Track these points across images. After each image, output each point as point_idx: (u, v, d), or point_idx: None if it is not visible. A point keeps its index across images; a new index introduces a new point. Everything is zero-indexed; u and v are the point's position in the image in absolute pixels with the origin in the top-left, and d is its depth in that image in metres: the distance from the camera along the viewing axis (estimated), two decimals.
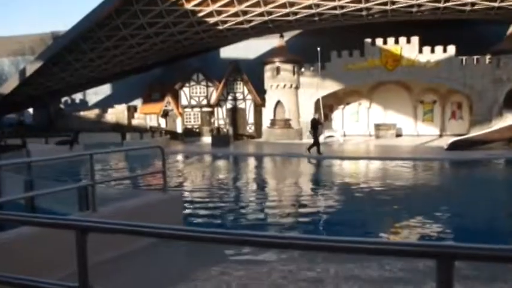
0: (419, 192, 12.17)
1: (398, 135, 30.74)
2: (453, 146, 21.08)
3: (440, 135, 30.27)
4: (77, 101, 40.06)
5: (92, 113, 36.39)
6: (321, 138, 28.39)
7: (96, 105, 39.27)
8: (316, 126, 20.66)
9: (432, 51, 28.31)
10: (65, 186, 6.43)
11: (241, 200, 11.35)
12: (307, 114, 30.12)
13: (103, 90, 39.91)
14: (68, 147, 22.67)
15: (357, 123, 31.63)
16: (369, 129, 31.66)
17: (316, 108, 31.08)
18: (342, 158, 19.70)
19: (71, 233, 2.59)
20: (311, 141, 28.21)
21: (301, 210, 9.96)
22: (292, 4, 27.03)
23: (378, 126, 30.62)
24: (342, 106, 31.97)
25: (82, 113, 36.40)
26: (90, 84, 35.58)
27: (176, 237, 2.51)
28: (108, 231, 2.63)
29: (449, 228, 8.07)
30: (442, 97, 30.61)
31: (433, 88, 30.22)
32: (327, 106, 32.48)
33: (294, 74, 30.11)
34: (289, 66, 30.00)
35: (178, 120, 33.11)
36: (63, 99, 39.09)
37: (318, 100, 27.33)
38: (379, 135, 30.21)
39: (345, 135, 30.26)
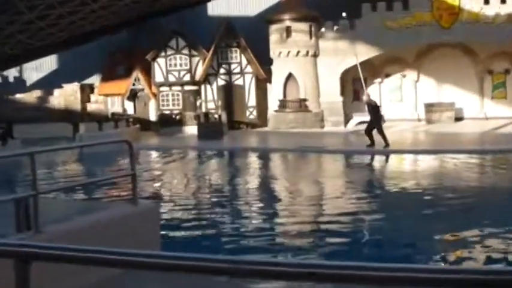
0: (492, 199, 12.16)
1: (458, 118, 30.66)
2: None
3: None
4: (11, 79, 40.07)
5: (31, 96, 36.38)
6: (350, 126, 28.46)
7: (37, 84, 39.25)
8: (377, 110, 20.52)
9: (503, 0, 28.20)
10: None
11: (238, 212, 11.36)
12: (330, 92, 30.08)
13: (46, 64, 39.85)
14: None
15: (400, 103, 31.58)
16: (417, 111, 31.58)
17: (347, 84, 31.00)
18: (383, 153, 19.67)
19: (7, 263, 2.59)
20: (336, 129, 28.15)
21: (325, 223, 9.99)
22: None
23: (429, 107, 30.51)
24: (378, 80, 31.86)
25: (18, 96, 36.42)
26: (28, 56, 35.53)
27: (152, 266, 2.50)
28: (57, 260, 2.63)
29: None
30: None
31: (506, 52, 30.10)
32: (358, 81, 32.31)
33: (311, 36, 30.01)
34: (304, 26, 29.91)
35: (152, 104, 33.03)
36: None
37: (354, 68, 26.64)
38: (431, 119, 30.11)
39: (383, 121, 30.20)
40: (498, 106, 30.97)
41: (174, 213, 11.63)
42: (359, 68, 23.59)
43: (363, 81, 23.74)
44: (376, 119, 20.24)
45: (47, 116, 34.32)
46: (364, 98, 21.70)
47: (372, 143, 20.00)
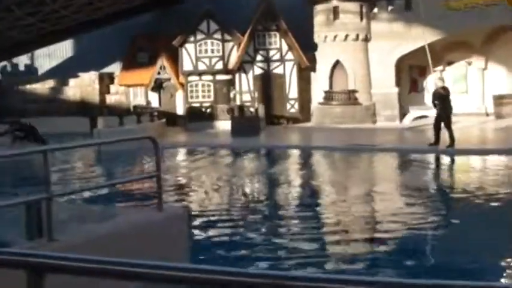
0: None
1: None
2: None
3: None
4: (21, 67, 40.68)
5: (44, 86, 36.87)
6: (406, 121, 28.23)
7: (50, 73, 39.75)
8: (446, 98, 20.26)
9: None
10: (6, 202, 6.54)
11: (280, 221, 11.37)
12: (384, 82, 29.86)
13: (61, 51, 40.33)
14: (10, 140, 23.10)
15: (464, 95, 31.21)
16: (485, 104, 31.16)
17: (403, 72, 30.78)
18: (446, 153, 19.47)
19: (17, 275, 2.63)
20: (390, 124, 27.96)
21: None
22: None
23: (499, 100, 30.06)
24: (440, 68, 31.54)
25: (29, 87, 36.93)
26: (41, 41, 35.98)
27: (179, 280, 2.52)
28: (73, 272, 2.66)
29: None
30: None
31: None
32: (416, 69, 31.96)
33: (361, 18, 29.84)
34: (353, 6, 29.75)
35: (179, 96, 33.19)
36: None
37: (411, 54, 26.07)
38: (501, 114, 29.65)
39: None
40: None
41: (200, 223, 11.73)
42: (428, 54, 23.22)
43: (431, 65, 23.38)
44: (447, 111, 19.83)
45: (61, 108, 34.74)
46: (438, 83, 21.17)
47: (436, 141, 19.69)
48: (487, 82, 31.28)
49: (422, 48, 28.53)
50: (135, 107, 33.10)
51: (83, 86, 35.99)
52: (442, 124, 19.80)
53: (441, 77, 22.41)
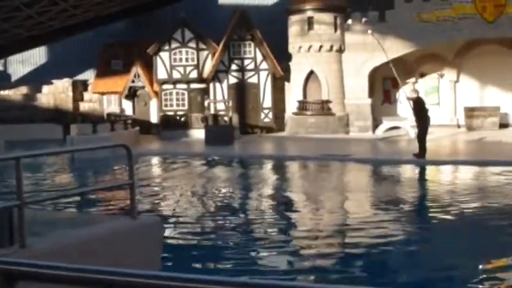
0: None
1: (504, 125, 30.51)
2: None
3: None
4: None
5: (16, 93, 36.60)
6: (379, 132, 28.40)
7: (23, 80, 39.48)
8: (424, 108, 20.34)
9: None
10: None
11: (253, 230, 11.35)
12: (357, 92, 30.03)
13: (34, 57, 40.10)
14: None
15: (436, 107, 31.44)
16: (457, 116, 31.44)
17: (376, 83, 30.98)
18: (418, 164, 19.62)
19: None
20: (363, 135, 28.21)
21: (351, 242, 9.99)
22: None
23: (470, 112, 30.35)
24: (412, 80, 31.79)
25: (2, 93, 36.65)
26: (14, 47, 35.73)
27: None
28: (45, 279, 2.63)
29: None
30: None
31: None
32: (389, 80, 32.21)
33: (335, 29, 30.00)
34: (328, 17, 29.91)
35: (153, 104, 33.09)
36: None
37: (384, 66, 26.35)
38: (472, 126, 29.96)
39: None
40: None
41: (174, 232, 11.68)
42: (392, 66, 23.45)
43: (398, 79, 23.61)
44: (422, 120, 19.96)
45: (35, 115, 34.49)
46: (411, 94, 21.33)
47: (422, 153, 19.80)
48: (459, 94, 31.59)
49: (394, 60, 28.79)
50: (108, 114, 32.94)
51: (56, 93, 35.79)
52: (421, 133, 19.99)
53: (415, 89, 22.57)
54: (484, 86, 31.43)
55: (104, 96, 34.56)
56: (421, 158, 19.68)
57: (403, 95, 22.19)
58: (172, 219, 12.35)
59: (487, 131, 29.02)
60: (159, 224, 7.70)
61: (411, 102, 20.93)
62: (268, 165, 21.21)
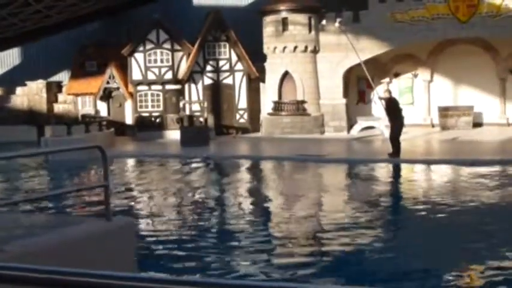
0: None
1: (477, 124, 30.79)
2: None
3: None
4: None
5: None
6: (353, 132, 28.52)
7: None
8: (398, 108, 20.46)
9: None
10: None
11: (229, 231, 11.36)
12: (332, 93, 30.14)
13: (8, 59, 39.76)
14: None
15: (411, 107, 31.64)
16: (430, 115, 31.67)
17: (351, 84, 31.10)
18: (392, 163, 19.75)
19: None
20: (338, 135, 28.27)
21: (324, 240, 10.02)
22: None
23: (444, 111, 30.60)
24: (386, 80, 31.95)
25: None
26: None
27: None
28: (19, 282, 2.63)
29: None
30: None
31: None
32: (363, 80, 32.36)
33: (310, 29, 30.09)
34: (302, 18, 29.99)
35: (128, 105, 32.97)
36: None
37: (359, 66, 26.52)
38: (446, 125, 30.21)
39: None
40: None
41: (148, 232, 11.69)
42: (364, 66, 23.58)
43: (370, 79, 23.73)
44: (396, 120, 20.09)
45: (8, 117, 34.21)
46: (384, 94, 21.52)
47: (396, 152, 19.93)
48: (433, 94, 31.81)
49: (369, 60, 28.98)
50: (83, 116, 32.75)
51: (30, 94, 35.52)
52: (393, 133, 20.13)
53: (387, 89, 22.74)
54: (458, 86, 31.67)
55: (79, 97, 34.38)
56: (395, 157, 19.82)
57: (377, 95, 22.38)
58: (147, 221, 12.33)
59: (461, 130, 29.28)
60: (134, 226, 7.70)
61: (383, 102, 21.10)
62: (244, 166, 21.21)
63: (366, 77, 30.99)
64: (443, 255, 9.44)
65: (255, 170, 20.34)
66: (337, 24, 26.82)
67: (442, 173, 18.35)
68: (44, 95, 35.28)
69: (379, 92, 23.05)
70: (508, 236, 10.50)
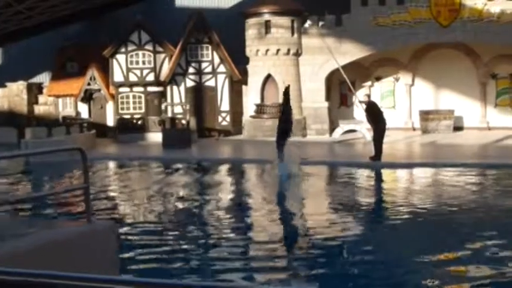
0: (493, 221, 12.29)
1: (458, 128, 31.00)
2: None
3: None
4: None
5: None
6: (336, 135, 28.59)
7: None
8: (378, 112, 20.53)
9: None
10: None
11: (212, 234, 11.34)
12: (314, 96, 30.21)
13: None
14: None
15: (392, 110, 31.83)
16: (412, 119, 31.83)
17: (333, 87, 31.20)
18: (373, 167, 19.81)
19: None
20: (320, 138, 28.33)
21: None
22: None
23: (425, 115, 30.79)
24: (368, 83, 32.12)
25: None
26: None
27: None
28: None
29: None
30: None
31: None
32: (345, 83, 32.51)
33: (292, 32, 30.15)
34: (285, 21, 30.05)
35: (109, 107, 32.87)
36: None
37: (345, 69, 26.68)
38: (427, 129, 30.39)
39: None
40: (502, 115, 31.37)
41: (135, 224, 11.68)
42: (342, 71, 23.61)
43: (349, 83, 23.79)
44: (377, 123, 20.17)
45: None
46: (363, 98, 21.67)
47: (377, 155, 20.01)
48: (414, 98, 31.98)
49: (351, 64, 29.08)
50: (64, 117, 32.59)
51: (10, 96, 35.33)
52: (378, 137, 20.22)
53: (367, 93, 22.85)
54: (439, 90, 31.88)
55: (60, 99, 34.25)
56: (376, 160, 19.89)
57: (356, 99, 22.53)
58: (127, 223, 12.27)
59: (442, 133, 29.49)
60: (114, 228, 7.66)
61: (363, 105, 21.22)
62: (226, 169, 21.20)
63: (344, 81, 31.22)
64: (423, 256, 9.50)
65: (237, 173, 20.32)
66: (307, 24, 26.90)
67: (422, 176, 18.42)
68: (25, 96, 35.10)
69: (358, 96, 23.13)
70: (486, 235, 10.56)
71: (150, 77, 31.58)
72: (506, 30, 28.38)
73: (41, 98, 35.37)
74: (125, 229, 11.46)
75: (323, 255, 9.74)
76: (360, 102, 22.03)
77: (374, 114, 20.37)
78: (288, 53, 30.09)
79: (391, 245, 10.68)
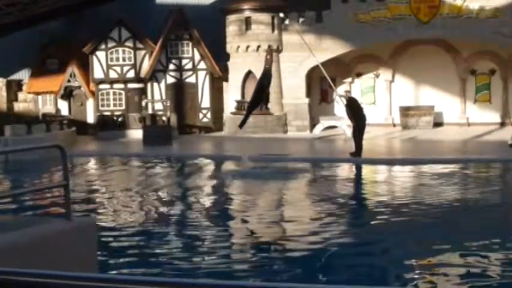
0: (472, 215, 12.40)
1: (438, 123, 31.17)
2: None
3: (502, 124, 30.78)
4: None
5: None
6: (316, 131, 28.67)
7: None
8: (358, 108, 20.63)
9: None
10: None
11: (191, 232, 11.36)
12: (295, 92, 30.25)
13: None
14: None
15: (372, 107, 31.91)
16: (392, 115, 31.96)
17: (314, 83, 31.28)
18: (354, 162, 19.90)
19: None
20: (301, 134, 28.41)
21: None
22: None
23: (405, 111, 30.92)
24: (349, 80, 32.21)
25: None
26: None
27: None
28: None
29: None
30: (504, 65, 31.13)
31: (491, 51, 30.70)
32: (326, 80, 32.58)
33: (273, 29, 30.17)
34: (265, 17, 30.05)
35: (90, 104, 32.72)
36: None
37: (325, 65, 26.79)
38: (407, 125, 30.53)
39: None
40: (482, 111, 31.55)
41: (115, 222, 11.69)
42: (322, 68, 23.65)
43: (330, 80, 23.85)
44: (357, 120, 20.31)
45: None
46: (345, 96, 21.89)
47: (358, 151, 20.15)
48: (394, 94, 32.08)
49: (332, 60, 29.15)
50: (44, 115, 32.41)
51: None
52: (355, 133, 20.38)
53: (347, 90, 22.98)
54: (419, 86, 32.01)
55: (39, 96, 34.01)
56: (357, 156, 19.99)
57: (336, 94, 22.67)
58: (107, 220, 12.25)
59: (422, 129, 29.63)
60: (94, 226, 7.66)
61: (343, 99, 21.39)
62: (206, 166, 21.18)
63: (329, 77, 31.26)
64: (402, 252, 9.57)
65: (216, 169, 20.34)
66: (287, 21, 27.00)
67: (402, 172, 18.52)
68: (4, 93, 34.82)
69: (338, 91, 23.24)
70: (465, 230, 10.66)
71: (131, 74, 31.48)
72: (485, 27, 28.56)
73: (21, 95, 35.11)
74: (105, 225, 11.45)
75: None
76: (340, 96, 22.16)
77: (354, 110, 20.50)
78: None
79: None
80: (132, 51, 31.43)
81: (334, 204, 13.54)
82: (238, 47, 30.23)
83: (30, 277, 2.59)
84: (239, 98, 30.34)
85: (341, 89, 25.92)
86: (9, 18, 32.57)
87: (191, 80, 31.73)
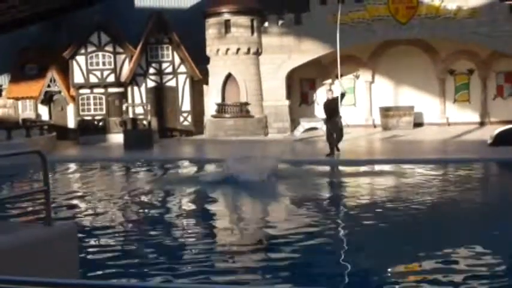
0: (450, 215, 12.48)
1: (418, 124, 31.34)
2: (500, 140, 21.68)
3: (482, 123, 31.04)
4: None
5: None
6: (297, 133, 28.73)
7: None
8: (335, 109, 20.76)
9: None
10: None
11: (174, 236, 11.36)
12: (275, 94, 30.32)
13: None
14: None
15: (352, 108, 32.06)
16: (372, 116, 32.09)
17: (294, 85, 31.34)
18: (334, 164, 19.96)
19: None
20: (281, 136, 28.41)
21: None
22: None
23: (385, 112, 31.07)
24: (328, 81, 32.30)
25: None
26: None
27: None
28: None
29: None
30: (482, 64, 31.39)
31: (469, 51, 30.93)
32: (305, 81, 32.73)
33: (252, 31, 30.21)
34: (245, 20, 30.09)
35: (70, 109, 32.59)
36: None
37: (301, 67, 27.02)
38: (387, 125, 30.68)
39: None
40: (461, 110, 31.79)
41: (96, 227, 11.67)
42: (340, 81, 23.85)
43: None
44: (331, 120, 20.56)
45: None
46: (327, 94, 22.23)
47: (331, 152, 20.37)
48: (374, 95, 32.24)
49: (312, 61, 29.23)
50: (23, 120, 32.24)
51: None
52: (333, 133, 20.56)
53: (330, 89, 23.11)
54: (399, 87, 32.19)
55: (19, 101, 33.83)
56: (331, 157, 20.23)
57: (337, 87, 22.80)
58: (88, 226, 12.20)
59: (402, 130, 29.77)
60: (75, 231, 7.63)
61: (329, 96, 21.65)
62: (187, 169, 21.16)
63: (308, 79, 31.41)
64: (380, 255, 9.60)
65: (199, 173, 20.32)
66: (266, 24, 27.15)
67: (381, 173, 18.60)
68: None
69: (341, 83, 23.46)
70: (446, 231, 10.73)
71: (111, 78, 31.40)
72: (463, 27, 28.80)
73: (0, 101, 34.93)
74: (84, 231, 11.42)
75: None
76: (328, 90, 22.52)
77: (330, 110, 20.78)
78: (248, 52, 30.15)
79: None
80: (112, 56, 31.36)
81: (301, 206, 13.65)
82: (218, 50, 30.25)
83: (10, 284, 2.61)
84: (219, 100, 30.35)
85: (322, 90, 25.97)
86: None
87: (171, 83, 31.70)
